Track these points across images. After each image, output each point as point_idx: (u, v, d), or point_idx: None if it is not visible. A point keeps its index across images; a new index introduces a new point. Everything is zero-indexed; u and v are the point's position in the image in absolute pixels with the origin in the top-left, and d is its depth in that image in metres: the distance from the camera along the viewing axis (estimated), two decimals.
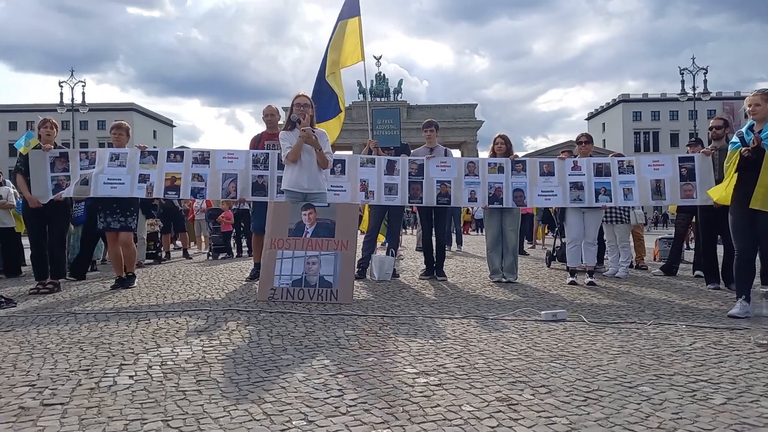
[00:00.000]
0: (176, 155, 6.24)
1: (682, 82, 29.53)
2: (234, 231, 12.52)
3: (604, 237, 7.94)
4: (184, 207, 12.97)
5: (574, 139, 7.14)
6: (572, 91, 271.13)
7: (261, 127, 7.07)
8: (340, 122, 7.98)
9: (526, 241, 15.42)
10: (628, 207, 7.55)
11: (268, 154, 6.28)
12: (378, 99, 72.90)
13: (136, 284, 6.23)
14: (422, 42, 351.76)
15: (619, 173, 6.47)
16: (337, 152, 7.01)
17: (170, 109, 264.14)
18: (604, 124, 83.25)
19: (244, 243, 12.53)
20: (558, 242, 8.71)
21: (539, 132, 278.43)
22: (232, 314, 4.37)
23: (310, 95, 7.75)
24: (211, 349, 3.30)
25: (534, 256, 11.23)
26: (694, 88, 29.89)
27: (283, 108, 8.74)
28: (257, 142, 6.66)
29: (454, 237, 13.61)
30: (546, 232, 15.64)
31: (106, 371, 2.84)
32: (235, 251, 11.60)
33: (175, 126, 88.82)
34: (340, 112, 7.89)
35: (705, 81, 29.49)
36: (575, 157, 6.82)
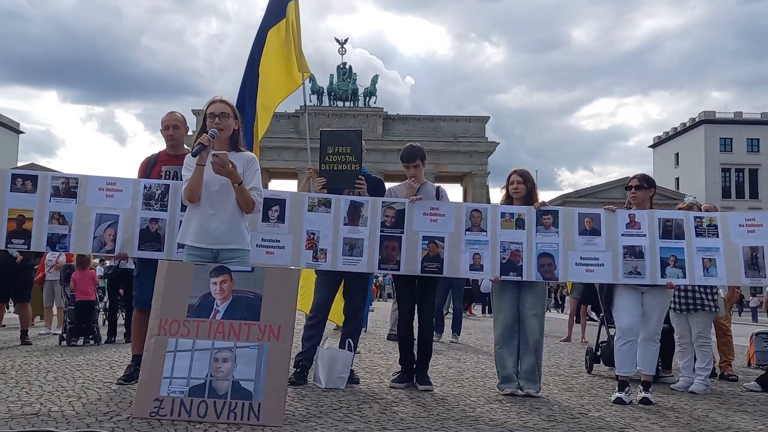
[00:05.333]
0: (26, 181, 6.19)
1: None
2: (105, 301, 12.32)
3: (675, 332, 7.97)
4: (31, 259, 12.62)
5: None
6: (630, 102, 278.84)
7: (156, 142, 7.08)
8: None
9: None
10: (711, 287, 7.58)
11: (168, 186, 6.24)
12: (340, 104, 73.72)
13: None
14: (405, 20, 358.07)
15: (697, 235, 6.58)
16: (272, 186, 7.01)
17: (13, 104, 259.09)
18: (677, 155, 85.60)
19: (121, 319, 12.31)
20: (604, 335, 8.72)
21: (581, 162, 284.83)
22: None
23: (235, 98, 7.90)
24: None
25: (568, 353, 11.22)
26: None
27: (193, 112, 8.85)
28: (151, 166, 6.64)
29: (449, 319, 13.60)
30: (587, 317, 15.71)
31: None
32: (104, 333, 11.37)
33: (23, 132, 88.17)
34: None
35: None
36: (631, 207, 6.91)
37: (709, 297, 7.68)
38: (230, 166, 5.07)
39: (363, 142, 7.03)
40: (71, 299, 11.08)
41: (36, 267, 12.80)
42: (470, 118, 75.79)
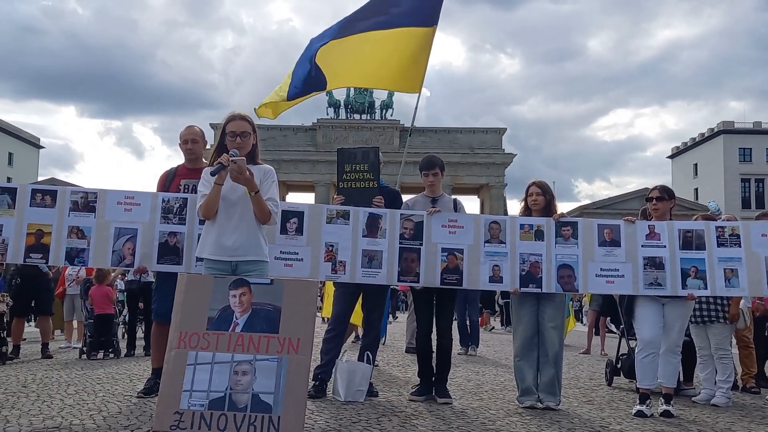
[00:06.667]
0: (45, 196, 6.23)
1: None
2: (124, 314, 12.39)
3: (696, 344, 7.90)
4: (55, 274, 12.81)
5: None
6: (647, 112, 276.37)
7: (173, 156, 7.09)
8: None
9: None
10: (728, 299, 7.51)
11: (186, 200, 6.26)
12: (357, 117, 73.65)
13: None
14: None
15: (719, 245, 6.53)
16: (290, 199, 7.02)
17: (32, 119, 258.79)
18: (695, 165, 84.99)
19: (140, 333, 12.36)
20: (624, 347, 8.67)
21: (598, 173, 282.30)
22: None
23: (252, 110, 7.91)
24: None
25: (587, 366, 11.15)
26: None
27: (211, 126, 8.83)
28: (170, 180, 6.67)
29: (467, 325, 13.52)
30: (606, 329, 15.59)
31: None
32: (124, 347, 11.42)
33: (43, 147, 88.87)
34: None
35: None
36: (650, 218, 6.87)
37: (726, 309, 7.62)
38: (248, 173, 5.07)
39: (381, 156, 7.04)
40: (91, 313, 11.13)
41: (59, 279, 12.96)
42: (487, 129, 75.32)
